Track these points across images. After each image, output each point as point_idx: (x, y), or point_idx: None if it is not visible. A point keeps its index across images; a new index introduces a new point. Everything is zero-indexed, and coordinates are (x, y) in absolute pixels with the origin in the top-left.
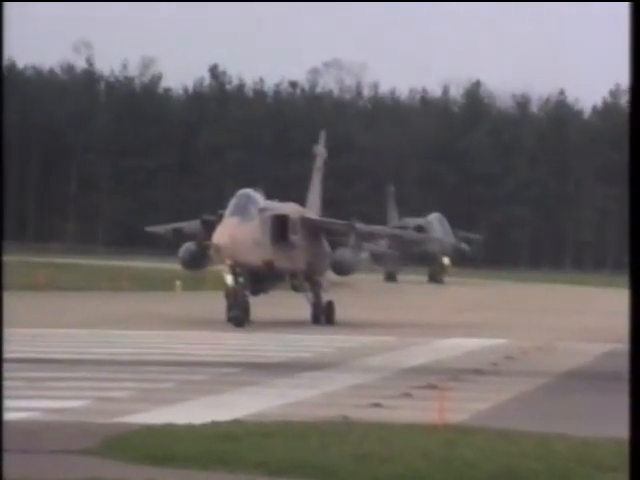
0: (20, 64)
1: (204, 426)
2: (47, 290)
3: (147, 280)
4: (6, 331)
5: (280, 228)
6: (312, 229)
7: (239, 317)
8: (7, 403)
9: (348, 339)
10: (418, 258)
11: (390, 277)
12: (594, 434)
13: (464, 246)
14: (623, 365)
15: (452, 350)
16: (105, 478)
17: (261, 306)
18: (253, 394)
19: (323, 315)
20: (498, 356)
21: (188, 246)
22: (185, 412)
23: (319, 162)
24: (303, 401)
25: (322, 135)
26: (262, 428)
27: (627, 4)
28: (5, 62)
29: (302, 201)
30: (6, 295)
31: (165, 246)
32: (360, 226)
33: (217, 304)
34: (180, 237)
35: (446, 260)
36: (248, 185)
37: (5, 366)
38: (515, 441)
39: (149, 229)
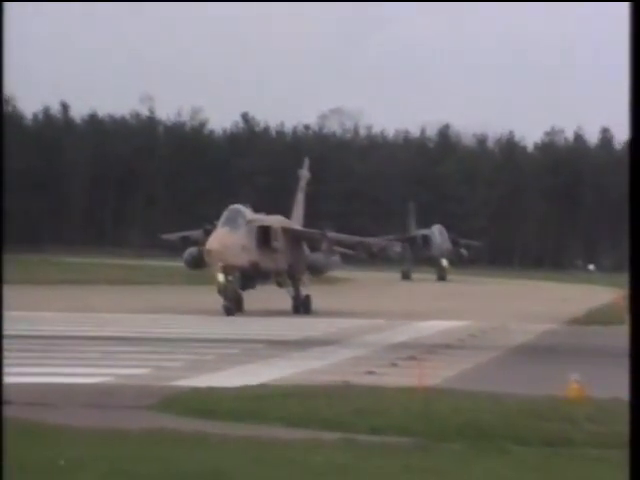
0: (100, 113)
1: (238, 389)
2: (122, 284)
3: (196, 276)
4: (95, 315)
5: (264, 236)
6: (292, 237)
7: (229, 308)
8: (88, 370)
9: (348, 322)
10: (425, 260)
11: (405, 276)
12: (534, 393)
13: (463, 251)
14: (557, 340)
15: (429, 330)
16: (164, 427)
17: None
18: (275, 364)
19: (302, 306)
20: (463, 334)
21: (191, 250)
22: (223, 378)
23: (302, 183)
24: (314, 369)
25: (306, 161)
26: (282, 390)
27: (627, 4)
28: (91, 112)
29: (316, 213)
30: (89, 288)
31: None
32: (331, 234)
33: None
34: (186, 243)
35: (444, 262)
36: (271, 204)
37: (87, 342)
38: (475, 399)
39: (164, 236)
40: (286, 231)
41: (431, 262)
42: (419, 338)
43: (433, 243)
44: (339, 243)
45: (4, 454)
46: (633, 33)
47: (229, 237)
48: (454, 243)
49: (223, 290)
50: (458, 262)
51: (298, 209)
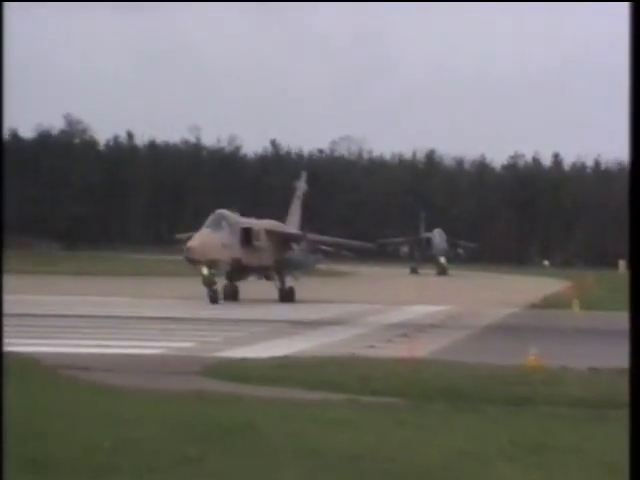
0: (157, 140)
1: (265, 359)
2: (175, 276)
3: None
4: (154, 301)
5: (246, 236)
6: (277, 237)
7: (213, 296)
8: (148, 343)
9: (354, 306)
10: (428, 258)
11: (413, 271)
12: (501, 363)
13: (460, 250)
14: (519, 321)
15: (417, 313)
16: (207, 389)
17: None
18: (296, 339)
19: (286, 296)
20: (445, 316)
21: None
22: (254, 350)
23: (299, 193)
24: (327, 344)
25: (303, 174)
26: (301, 360)
27: (627, 4)
28: (150, 139)
29: (330, 219)
30: (150, 279)
31: None
32: (311, 236)
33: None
34: None
35: (442, 259)
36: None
37: (149, 321)
38: (454, 368)
39: (177, 236)
40: (270, 232)
41: (432, 259)
42: (410, 319)
43: (433, 244)
44: (319, 243)
45: (4, 454)
46: (633, 33)
47: (208, 236)
48: (451, 244)
49: (207, 282)
50: (455, 260)
51: (294, 215)
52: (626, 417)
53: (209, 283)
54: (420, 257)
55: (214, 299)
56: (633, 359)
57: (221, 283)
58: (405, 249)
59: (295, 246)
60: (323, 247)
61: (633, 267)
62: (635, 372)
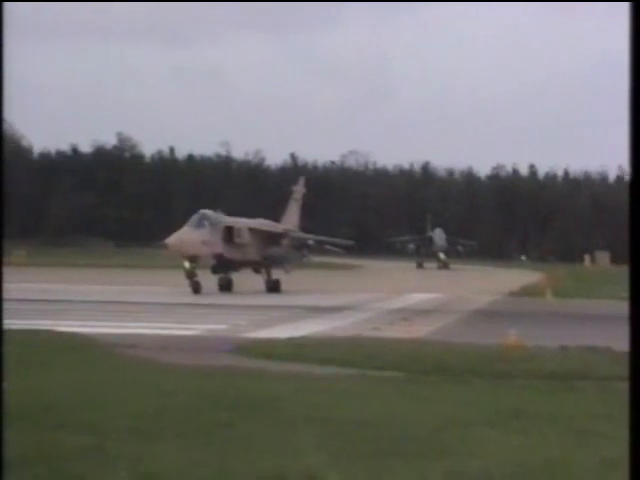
0: (195, 154)
1: (286, 339)
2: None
3: None
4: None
5: (228, 233)
6: (262, 234)
7: (195, 287)
8: (187, 326)
9: (362, 295)
10: (430, 254)
11: (419, 265)
12: (485, 342)
13: (460, 248)
14: (500, 307)
15: (415, 300)
16: (236, 365)
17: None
18: (311, 322)
19: (272, 288)
20: (438, 303)
21: None
22: (276, 332)
23: (296, 195)
24: (338, 326)
25: (301, 179)
26: (316, 340)
27: (627, 4)
28: (189, 153)
29: (341, 221)
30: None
31: None
32: (293, 233)
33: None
34: None
35: (442, 255)
36: (309, 216)
37: (187, 308)
38: (446, 346)
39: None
40: (254, 230)
41: (433, 255)
42: (409, 305)
43: (434, 242)
44: (302, 240)
45: (4, 454)
46: (633, 33)
47: (187, 234)
48: (451, 242)
49: (188, 274)
50: (453, 256)
51: (291, 215)
52: (592, 388)
53: (190, 275)
54: (424, 253)
55: (196, 289)
56: (633, 359)
57: (213, 277)
58: (411, 246)
59: (281, 242)
60: (310, 243)
61: (633, 267)
62: (635, 372)
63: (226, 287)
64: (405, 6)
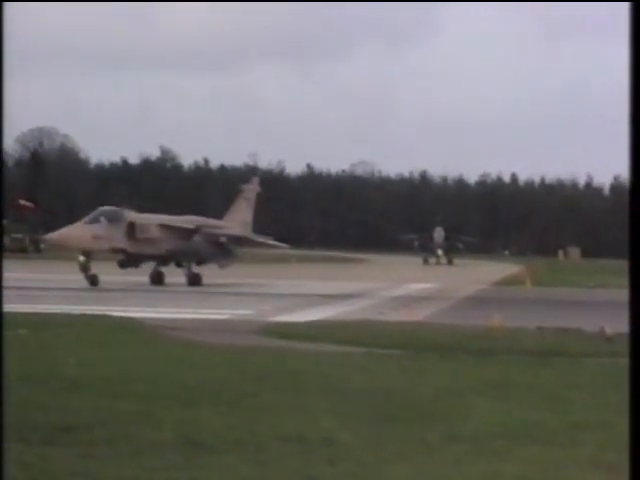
0: (226, 164)
1: (304, 322)
2: None
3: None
4: (216, 280)
5: (131, 229)
6: (172, 230)
7: (92, 280)
8: (219, 311)
9: (367, 284)
10: (431, 251)
11: (425, 261)
12: (473, 324)
13: (460, 245)
14: (486, 294)
15: (414, 289)
16: (262, 345)
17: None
18: (324, 309)
19: (193, 281)
20: (434, 291)
21: None
22: (295, 316)
23: (246, 194)
24: (347, 311)
25: (255, 179)
26: (330, 323)
27: (627, 4)
28: (221, 163)
29: (352, 223)
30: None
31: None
32: (206, 230)
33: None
34: None
35: (440, 252)
36: (322, 218)
37: (220, 296)
38: (440, 328)
39: None
40: (164, 226)
41: (433, 252)
42: (409, 293)
43: (434, 239)
44: (217, 236)
45: (4, 453)
46: (633, 33)
47: (75, 229)
48: (450, 239)
49: (81, 268)
50: (452, 252)
51: (238, 213)
52: (564, 363)
53: (83, 269)
54: (428, 250)
55: (93, 282)
56: (633, 358)
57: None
58: (416, 243)
59: (193, 238)
60: (223, 240)
61: (633, 266)
62: (635, 371)
63: (157, 280)
64: (407, 40)
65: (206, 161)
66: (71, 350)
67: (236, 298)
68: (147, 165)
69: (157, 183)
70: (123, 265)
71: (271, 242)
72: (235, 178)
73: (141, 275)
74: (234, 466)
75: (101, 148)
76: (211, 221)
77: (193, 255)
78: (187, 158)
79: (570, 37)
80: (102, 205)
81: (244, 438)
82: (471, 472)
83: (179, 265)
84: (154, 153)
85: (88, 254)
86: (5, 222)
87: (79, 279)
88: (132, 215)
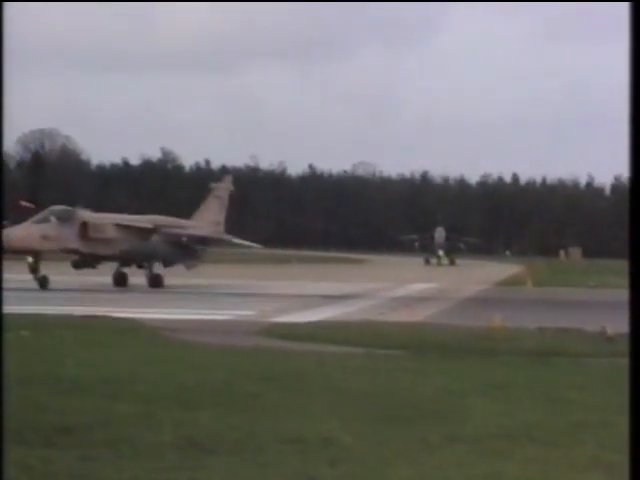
0: (228, 165)
1: (304, 323)
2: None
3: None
4: (223, 281)
5: (84, 228)
6: (131, 230)
7: (41, 282)
8: (220, 312)
9: (370, 285)
10: (432, 251)
11: (426, 262)
12: (474, 324)
13: (461, 245)
14: (488, 294)
15: (415, 289)
16: (263, 345)
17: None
18: (325, 309)
19: (154, 283)
20: (435, 291)
21: None
22: (296, 317)
23: (217, 192)
24: (349, 312)
25: (227, 178)
26: (330, 324)
27: (627, 4)
28: (222, 164)
29: (356, 222)
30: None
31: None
32: (164, 230)
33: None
34: None
35: (441, 252)
36: (328, 218)
37: (223, 298)
38: (441, 328)
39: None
40: (120, 226)
41: (434, 252)
42: (409, 294)
43: (434, 239)
44: (173, 236)
45: (4, 453)
46: (633, 33)
47: (21, 230)
48: (452, 240)
49: (30, 269)
50: (453, 253)
51: (208, 212)
52: (565, 363)
53: (32, 270)
54: (430, 250)
55: (43, 284)
56: (633, 358)
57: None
58: (417, 244)
59: (151, 238)
60: (184, 240)
61: (633, 266)
62: (635, 371)
63: (121, 282)
64: (407, 41)
65: (207, 162)
66: (70, 352)
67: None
68: (148, 166)
69: (158, 184)
70: (77, 266)
71: (243, 242)
72: (236, 179)
73: (100, 276)
74: (234, 467)
75: (102, 149)
76: (176, 221)
77: (151, 256)
78: (188, 159)
79: (570, 37)
80: (103, 206)
81: (244, 439)
82: (472, 473)
83: (140, 266)
84: (155, 154)
85: (37, 255)
86: (6, 223)
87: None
88: (85, 214)
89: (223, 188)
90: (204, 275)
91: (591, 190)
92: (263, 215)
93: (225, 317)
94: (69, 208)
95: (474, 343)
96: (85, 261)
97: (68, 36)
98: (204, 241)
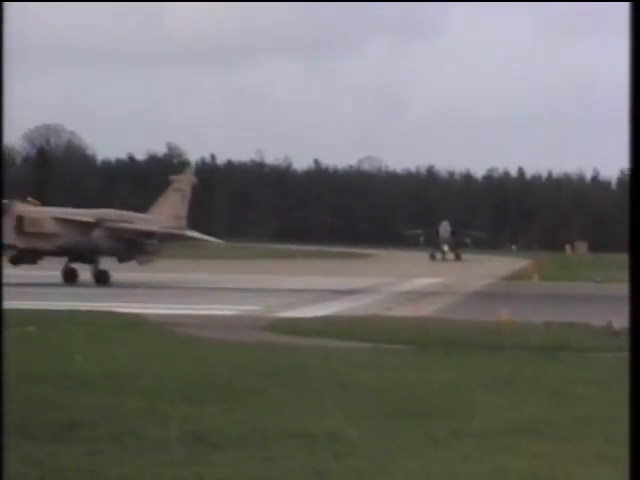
0: (233, 160)
1: (311, 318)
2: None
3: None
4: (227, 276)
5: (20, 222)
6: (72, 224)
7: None
8: (227, 307)
9: (375, 280)
10: (437, 246)
11: (432, 257)
12: (481, 319)
13: (467, 240)
14: (494, 289)
15: (420, 284)
16: (268, 340)
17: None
18: (332, 304)
19: (99, 279)
20: (441, 286)
21: None
22: (302, 312)
23: (177, 185)
24: (355, 307)
25: (188, 169)
26: (336, 319)
27: (627, 4)
28: (228, 159)
29: (360, 217)
30: (229, 261)
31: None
32: (108, 224)
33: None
34: None
35: (445, 247)
36: (329, 212)
37: (228, 293)
38: (447, 323)
39: None
40: (60, 220)
41: (438, 247)
42: (415, 288)
43: (440, 234)
44: (118, 231)
45: (4, 452)
46: (633, 33)
47: None
48: (458, 234)
49: None
50: (459, 247)
51: (167, 206)
52: (571, 357)
53: None
54: (435, 245)
55: None
56: (633, 358)
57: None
58: (422, 238)
59: (92, 232)
60: (132, 236)
61: (633, 260)
62: (635, 364)
63: (71, 278)
64: (413, 37)
65: (213, 157)
66: (77, 347)
67: (244, 294)
68: (154, 161)
69: (163, 179)
70: (15, 261)
71: (203, 237)
72: (241, 174)
73: (42, 270)
74: (240, 462)
75: (108, 145)
76: (124, 215)
77: (93, 251)
78: (194, 154)
79: (575, 30)
80: (108, 201)
81: (250, 434)
82: (479, 468)
83: (83, 261)
84: (161, 149)
85: None
86: None
87: None
88: (22, 208)
89: (184, 181)
90: (206, 270)
91: (597, 184)
92: (268, 210)
93: (230, 312)
94: (5, 201)
95: (480, 338)
96: (23, 257)
97: (71, 33)
98: (153, 236)
